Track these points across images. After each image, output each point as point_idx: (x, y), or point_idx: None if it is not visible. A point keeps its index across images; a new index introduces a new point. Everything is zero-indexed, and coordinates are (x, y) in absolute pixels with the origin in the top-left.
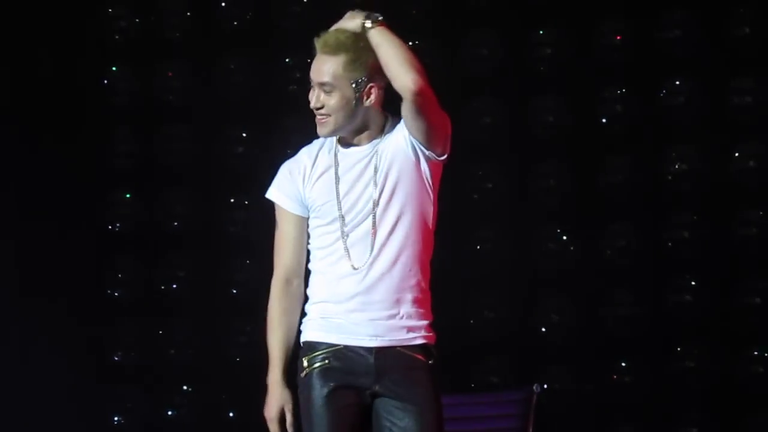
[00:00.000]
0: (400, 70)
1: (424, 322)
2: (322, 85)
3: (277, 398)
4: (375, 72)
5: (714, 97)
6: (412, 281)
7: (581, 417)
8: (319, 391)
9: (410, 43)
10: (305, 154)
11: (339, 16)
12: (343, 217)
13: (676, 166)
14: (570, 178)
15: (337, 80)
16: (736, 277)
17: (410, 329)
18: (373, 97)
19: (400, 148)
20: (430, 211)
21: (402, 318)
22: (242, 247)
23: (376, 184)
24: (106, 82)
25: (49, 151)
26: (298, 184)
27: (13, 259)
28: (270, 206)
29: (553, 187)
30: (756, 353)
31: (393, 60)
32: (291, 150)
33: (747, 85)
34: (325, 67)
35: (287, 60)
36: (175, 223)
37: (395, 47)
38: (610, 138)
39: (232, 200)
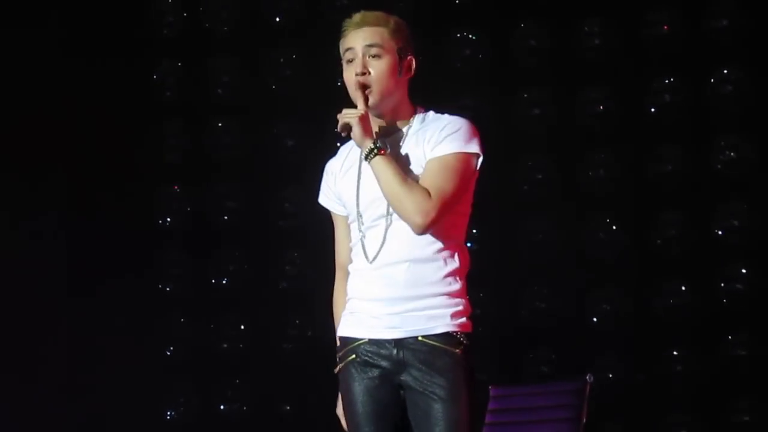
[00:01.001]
0: (404, 212)
1: (449, 311)
2: (370, 47)
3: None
4: (411, 44)
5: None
6: (436, 272)
7: (634, 406)
8: (351, 385)
9: (459, 35)
10: (342, 150)
11: (389, 6)
12: (361, 215)
13: (728, 154)
14: (620, 167)
15: (386, 43)
16: None
17: (431, 318)
18: (413, 69)
19: (426, 152)
20: (458, 207)
21: (423, 309)
22: (292, 240)
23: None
24: (155, 77)
25: (101, 146)
26: (331, 184)
27: (66, 256)
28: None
29: (603, 177)
30: None
31: (392, 199)
32: (341, 143)
33: None
34: (372, 33)
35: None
36: (225, 217)
37: (393, 186)
38: (658, 128)
39: (282, 194)
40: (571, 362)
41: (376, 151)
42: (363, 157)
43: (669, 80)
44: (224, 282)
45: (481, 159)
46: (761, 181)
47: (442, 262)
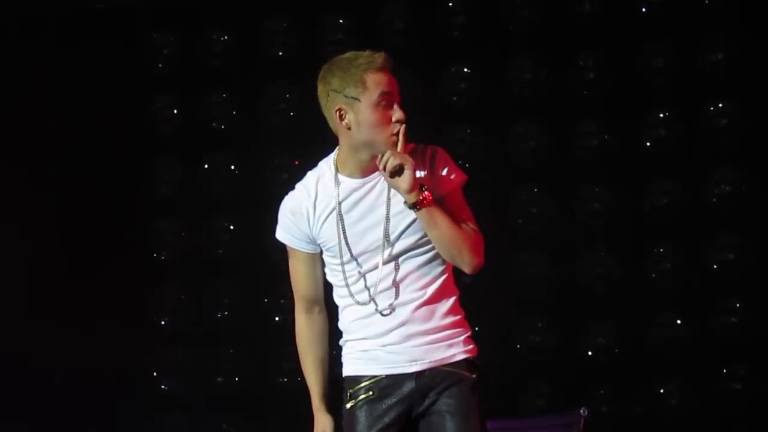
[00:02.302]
0: (459, 254)
1: (463, 337)
2: (399, 97)
3: (320, 425)
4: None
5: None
6: (445, 304)
7: None
8: (364, 423)
9: (454, 69)
10: (304, 191)
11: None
12: (356, 258)
13: (722, 188)
14: (615, 201)
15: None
16: None
17: (450, 346)
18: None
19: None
20: None
21: (440, 340)
22: (286, 274)
23: (388, 219)
24: (149, 110)
25: (95, 180)
26: (302, 226)
27: (61, 286)
28: None
29: (598, 210)
30: None
31: (446, 242)
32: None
33: None
34: (394, 79)
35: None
36: (220, 251)
37: (446, 230)
38: (654, 161)
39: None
40: (566, 396)
41: (424, 199)
42: (409, 204)
43: (664, 114)
44: (218, 315)
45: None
46: (755, 214)
47: (446, 294)
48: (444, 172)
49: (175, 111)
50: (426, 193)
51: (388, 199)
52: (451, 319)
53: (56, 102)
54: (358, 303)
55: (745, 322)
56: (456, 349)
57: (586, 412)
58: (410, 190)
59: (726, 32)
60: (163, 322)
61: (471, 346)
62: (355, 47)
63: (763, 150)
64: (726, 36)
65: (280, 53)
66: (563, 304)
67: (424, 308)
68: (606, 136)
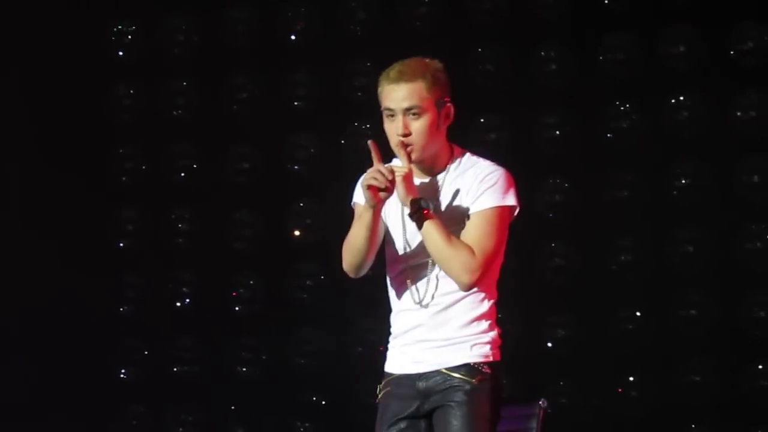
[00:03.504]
0: (451, 270)
1: (471, 343)
2: (409, 110)
3: None
4: (448, 90)
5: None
6: (468, 313)
7: (589, 431)
8: (382, 417)
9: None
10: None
11: (338, 36)
12: (406, 253)
13: (683, 181)
14: (575, 193)
15: (425, 102)
16: (743, 291)
17: (455, 351)
18: (451, 116)
19: (465, 202)
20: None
21: (447, 345)
22: (247, 264)
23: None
24: (111, 96)
25: (56, 168)
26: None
27: (22, 275)
28: (275, 225)
29: (559, 202)
30: (763, 367)
31: (439, 258)
32: (298, 166)
33: None
34: (409, 92)
35: (296, 78)
36: (180, 240)
37: (440, 246)
38: (615, 153)
39: (237, 217)
40: (526, 387)
41: (421, 211)
42: (408, 214)
43: (625, 106)
44: (178, 305)
45: (517, 210)
46: (716, 207)
47: (472, 303)
48: (484, 193)
49: (136, 99)
50: (425, 209)
51: (439, 206)
52: (468, 326)
53: (16, 90)
54: (397, 296)
55: (705, 315)
56: (460, 354)
57: (545, 404)
58: (403, 202)
59: (688, 25)
60: (122, 309)
61: (480, 352)
62: (315, 37)
63: (724, 143)
64: (688, 29)
65: (243, 42)
66: (524, 296)
67: (442, 313)
68: (567, 128)
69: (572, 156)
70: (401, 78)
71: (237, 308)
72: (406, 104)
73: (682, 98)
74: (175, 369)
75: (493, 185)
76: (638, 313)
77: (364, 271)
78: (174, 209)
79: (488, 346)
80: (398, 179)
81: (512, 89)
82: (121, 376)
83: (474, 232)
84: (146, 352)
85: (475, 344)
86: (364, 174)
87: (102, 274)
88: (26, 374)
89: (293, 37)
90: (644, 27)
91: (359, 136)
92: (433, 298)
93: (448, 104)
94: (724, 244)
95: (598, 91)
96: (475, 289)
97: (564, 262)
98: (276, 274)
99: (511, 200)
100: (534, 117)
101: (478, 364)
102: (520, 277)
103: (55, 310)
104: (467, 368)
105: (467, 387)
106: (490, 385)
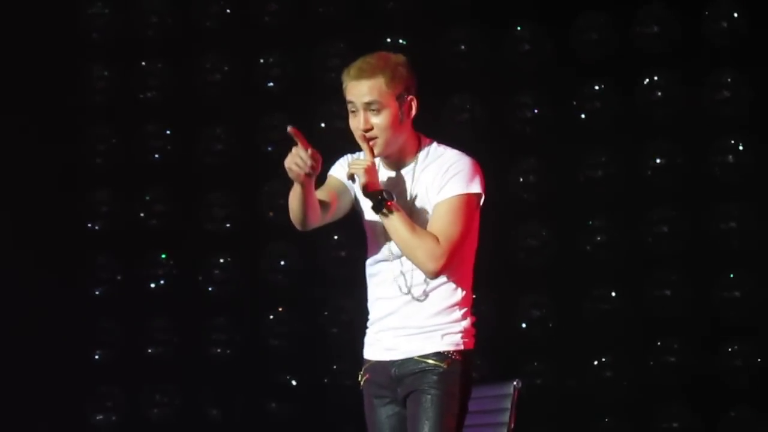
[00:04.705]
0: (416, 259)
1: (443, 332)
2: (368, 105)
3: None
4: (411, 84)
5: (690, 93)
6: (440, 302)
7: (563, 412)
8: (367, 400)
9: (389, 40)
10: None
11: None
12: (382, 243)
13: (657, 161)
14: (550, 173)
15: (384, 97)
16: (716, 272)
17: (426, 339)
18: (413, 109)
19: (431, 192)
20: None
21: (418, 333)
22: (220, 245)
23: (409, 213)
24: (84, 78)
25: (30, 150)
26: (353, 186)
27: None
28: (248, 206)
29: (534, 182)
30: (736, 347)
31: (404, 248)
32: (271, 147)
33: None
34: (369, 88)
35: (269, 59)
36: (154, 221)
37: (403, 236)
38: (589, 133)
39: (210, 198)
40: (500, 368)
41: (383, 203)
42: (371, 207)
43: (600, 86)
44: (152, 286)
45: (483, 198)
46: (690, 187)
47: (445, 292)
48: (449, 181)
49: (110, 81)
50: (388, 201)
51: (410, 195)
52: (439, 315)
53: None
54: (374, 285)
55: (680, 295)
56: (430, 342)
57: (519, 384)
58: (365, 195)
59: (661, 4)
60: (96, 293)
61: (451, 341)
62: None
63: (698, 122)
64: (661, 8)
65: (214, 23)
66: (498, 277)
67: (416, 302)
68: (541, 108)
69: (546, 136)
70: (361, 74)
71: (210, 289)
72: (366, 99)
73: (656, 78)
74: (149, 350)
75: (458, 173)
76: (613, 294)
77: (308, 229)
78: (148, 190)
79: (459, 335)
80: (359, 172)
81: (485, 69)
82: (95, 357)
83: (439, 220)
84: (120, 334)
85: (447, 333)
86: (303, 154)
87: (76, 256)
88: (0, 357)
89: (267, 19)
90: (617, 7)
91: (333, 117)
92: (410, 287)
93: (410, 98)
94: (698, 225)
95: (572, 72)
96: (447, 278)
97: (538, 243)
98: (250, 255)
99: (476, 188)
100: (507, 97)
101: (449, 352)
102: (494, 257)
103: (28, 292)
104: (438, 355)
105: (438, 370)
106: (461, 368)
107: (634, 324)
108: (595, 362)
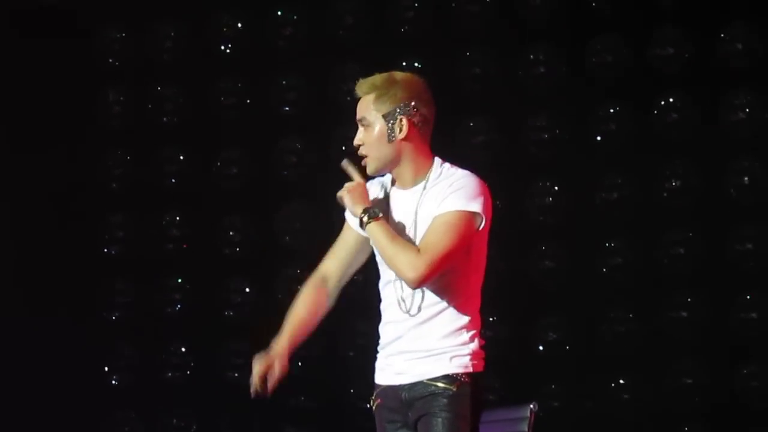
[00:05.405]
0: (397, 271)
1: (451, 354)
2: (360, 121)
3: (266, 355)
4: (406, 105)
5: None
6: (447, 324)
7: None
8: (379, 425)
9: (404, 63)
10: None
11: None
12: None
13: (673, 183)
14: (566, 195)
15: (370, 114)
16: (733, 293)
17: (434, 362)
18: (405, 128)
19: (435, 211)
20: (467, 265)
21: (427, 356)
22: (236, 269)
23: (415, 236)
24: (101, 102)
25: (47, 174)
26: None
27: (11, 281)
28: (265, 229)
29: (550, 204)
30: (753, 369)
31: (386, 260)
32: (287, 172)
33: None
34: (360, 104)
35: (284, 82)
36: (170, 246)
37: (384, 247)
38: (604, 156)
39: (227, 222)
40: (517, 391)
41: (366, 220)
42: (358, 224)
43: (615, 108)
44: (168, 310)
45: (483, 220)
46: (705, 209)
47: (451, 315)
48: (449, 196)
49: (126, 105)
50: (374, 217)
51: (416, 217)
52: (447, 338)
53: (6, 97)
54: (384, 308)
55: (696, 317)
56: (439, 365)
57: (536, 407)
58: (352, 214)
59: (677, 27)
60: (114, 318)
61: (460, 363)
62: (304, 42)
63: (713, 145)
64: (676, 30)
65: (229, 47)
66: (514, 299)
67: (425, 325)
68: (557, 131)
69: (562, 158)
70: (359, 91)
71: (228, 313)
72: (357, 116)
73: (671, 100)
74: (166, 375)
75: (459, 189)
76: (629, 315)
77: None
78: (164, 215)
79: (468, 358)
80: (341, 194)
81: (501, 92)
82: (113, 382)
83: (429, 232)
84: (136, 358)
85: (455, 355)
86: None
87: (93, 281)
88: (18, 381)
89: (282, 42)
90: (632, 29)
91: (350, 141)
92: (419, 309)
93: (401, 117)
94: (715, 246)
95: (587, 94)
96: (452, 301)
97: (554, 265)
98: (266, 278)
99: (474, 207)
100: (523, 120)
101: (458, 374)
102: (510, 279)
103: (46, 316)
104: (447, 378)
105: (448, 393)
106: (470, 390)
107: (651, 346)
108: (612, 384)
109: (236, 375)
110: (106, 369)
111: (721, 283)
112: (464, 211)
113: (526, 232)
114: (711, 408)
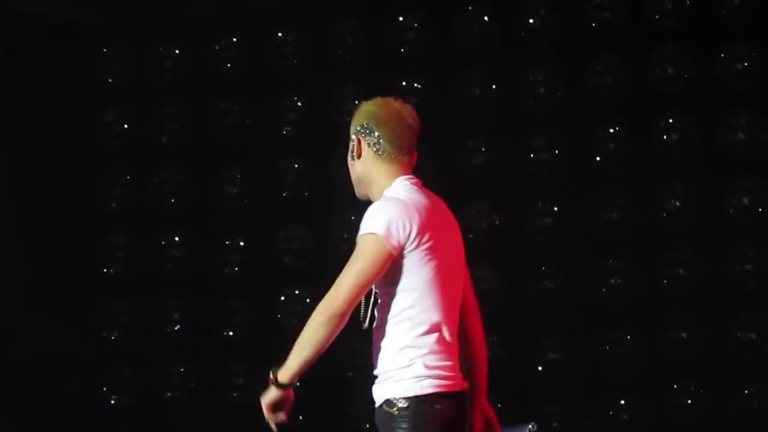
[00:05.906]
0: (328, 332)
1: (395, 378)
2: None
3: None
4: (361, 126)
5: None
6: (386, 349)
7: None
8: None
9: (404, 83)
10: None
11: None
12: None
13: (673, 203)
14: (565, 216)
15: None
16: (732, 313)
17: (381, 385)
18: (357, 150)
19: None
20: (391, 288)
21: (379, 379)
22: (236, 289)
23: None
24: (100, 123)
25: (46, 194)
26: None
27: (13, 301)
28: (264, 250)
29: (550, 226)
30: (753, 389)
31: (315, 343)
32: (287, 192)
33: None
34: None
35: (284, 103)
36: (170, 266)
37: (303, 347)
38: (603, 176)
39: (227, 242)
40: (516, 411)
41: (278, 383)
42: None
43: (614, 129)
44: (168, 330)
45: (393, 240)
46: (705, 228)
47: (388, 338)
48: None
49: (126, 125)
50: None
51: None
52: (384, 362)
53: (3, 117)
54: None
55: (696, 337)
56: (386, 388)
57: (535, 428)
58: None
59: (676, 48)
60: (113, 337)
61: (402, 386)
62: (304, 62)
63: (713, 165)
64: (676, 51)
65: (229, 67)
66: (514, 319)
67: (375, 351)
68: (556, 151)
69: (561, 179)
70: None
71: (227, 333)
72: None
73: (671, 120)
74: (166, 395)
75: (364, 218)
76: (628, 336)
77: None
78: (163, 235)
79: (410, 381)
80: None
81: (501, 113)
82: (112, 402)
83: (346, 265)
84: (136, 378)
85: (399, 379)
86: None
87: (92, 301)
88: (18, 400)
89: (282, 63)
90: (632, 49)
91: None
92: (372, 328)
93: (357, 138)
94: (714, 266)
95: (587, 114)
96: (385, 324)
97: (553, 285)
98: (266, 298)
99: (370, 227)
100: (523, 140)
101: (397, 399)
102: (510, 300)
103: (46, 335)
104: (388, 403)
105: (389, 417)
106: (411, 414)
107: (651, 366)
108: (612, 405)
109: (235, 395)
110: (105, 389)
111: (720, 303)
112: (365, 234)
113: (525, 253)
114: (711, 428)
